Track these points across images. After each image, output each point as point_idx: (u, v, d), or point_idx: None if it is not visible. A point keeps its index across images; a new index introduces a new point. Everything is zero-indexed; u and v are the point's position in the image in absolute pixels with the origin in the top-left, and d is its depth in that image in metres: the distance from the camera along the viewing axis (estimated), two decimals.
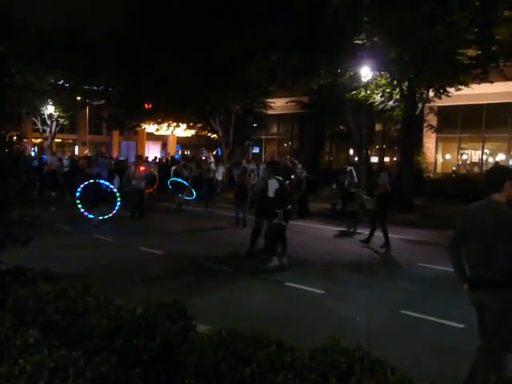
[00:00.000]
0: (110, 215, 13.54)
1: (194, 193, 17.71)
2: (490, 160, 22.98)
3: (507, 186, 3.82)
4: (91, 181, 13.29)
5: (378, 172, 17.05)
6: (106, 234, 11.90)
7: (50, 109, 30.36)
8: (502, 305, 3.73)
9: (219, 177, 20.51)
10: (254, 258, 9.62)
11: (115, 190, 14.32)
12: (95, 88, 29.39)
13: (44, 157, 24.71)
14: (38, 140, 35.89)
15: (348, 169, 14.93)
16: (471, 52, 15.59)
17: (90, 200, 13.35)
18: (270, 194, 9.05)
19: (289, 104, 25.99)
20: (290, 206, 9.30)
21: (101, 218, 13.26)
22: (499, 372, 3.41)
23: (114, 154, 32.97)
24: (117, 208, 13.78)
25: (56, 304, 3.88)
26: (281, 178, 9.32)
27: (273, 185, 9.06)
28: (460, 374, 4.03)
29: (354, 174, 14.68)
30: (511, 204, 3.93)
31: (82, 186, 13.29)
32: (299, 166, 16.45)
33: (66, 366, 2.78)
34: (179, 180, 16.95)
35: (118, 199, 13.94)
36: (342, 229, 13.55)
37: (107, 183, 14.10)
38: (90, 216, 13.27)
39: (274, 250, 9.19)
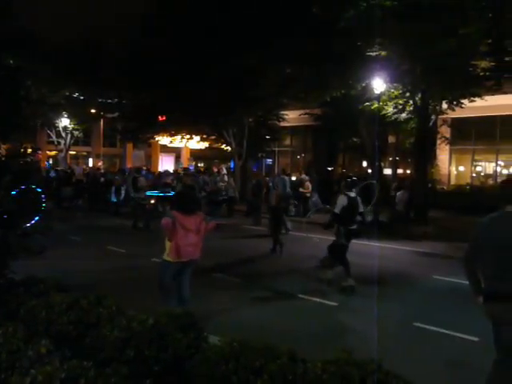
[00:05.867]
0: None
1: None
2: (505, 172, 22.76)
3: None
4: None
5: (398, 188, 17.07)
6: (119, 245, 11.94)
7: (64, 121, 30.72)
8: None
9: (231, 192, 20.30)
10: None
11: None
12: (109, 101, 29.71)
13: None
14: (53, 152, 36.28)
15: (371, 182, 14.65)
16: (485, 64, 15.51)
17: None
18: (336, 210, 8.54)
19: (302, 116, 26.00)
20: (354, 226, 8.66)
21: None
22: None
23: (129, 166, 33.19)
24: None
25: (68, 315, 3.90)
26: (352, 195, 8.68)
27: (341, 201, 8.56)
28: None
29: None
30: None
31: None
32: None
33: (77, 377, 2.79)
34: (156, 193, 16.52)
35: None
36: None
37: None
38: None
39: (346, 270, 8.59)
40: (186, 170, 17.45)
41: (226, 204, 18.94)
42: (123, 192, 17.96)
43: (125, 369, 3.00)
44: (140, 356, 3.30)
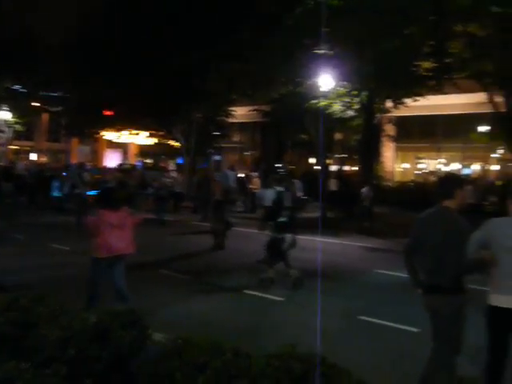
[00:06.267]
0: None
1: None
2: (446, 169, 23.62)
3: (458, 194, 3.95)
4: None
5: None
6: (63, 243, 11.61)
7: (4, 114, 29.49)
8: (450, 309, 3.87)
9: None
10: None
11: None
12: (53, 94, 28.74)
13: None
14: None
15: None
16: (427, 64, 16.02)
17: None
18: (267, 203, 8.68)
19: (250, 113, 26.07)
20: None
21: None
22: (450, 372, 3.50)
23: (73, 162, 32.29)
24: None
25: (6, 315, 3.75)
26: (280, 189, 8.84)
27: (269, 195, 8.71)
28: (414, 376, 4.10)
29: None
30: (461, 212, 4.07)
31: None
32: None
33: (13, 379, 2.69)
34: None
35: None
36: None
37: None
38: None
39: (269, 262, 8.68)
40: (120, 165, 17.14)
41: (173, 200, 18.88)
42: (67, 188, 17.48)
43: (64, 369, 2.92)
44: (81, 355, 3.22)
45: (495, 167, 22.93)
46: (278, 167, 18.73)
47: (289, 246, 8.54)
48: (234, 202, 12.11)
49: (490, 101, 15.22)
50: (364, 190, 16.27)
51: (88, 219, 6.16)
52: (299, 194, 12.53)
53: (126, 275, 6.25)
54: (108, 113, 25.43)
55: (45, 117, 35.26)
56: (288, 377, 2.75)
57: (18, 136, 32.88)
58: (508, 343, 3.85)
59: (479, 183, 17.09)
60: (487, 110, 15.94)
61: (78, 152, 35.90)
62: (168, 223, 15.84)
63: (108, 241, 6.00)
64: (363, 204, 16.05)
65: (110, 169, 21.38)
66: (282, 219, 8.67)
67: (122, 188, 11.12)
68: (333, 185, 19.86)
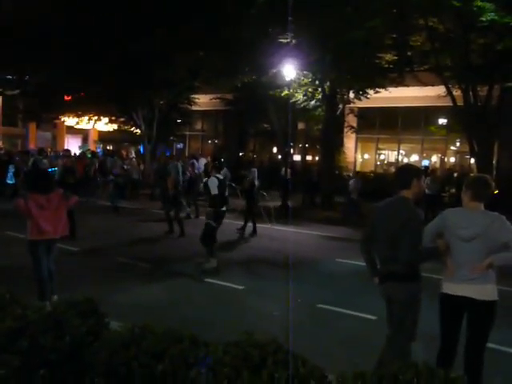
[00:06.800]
0: None
1: None
2: (405, 160, 24.07)
3: (415, 184, 4.04)
4: None
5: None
6: (18, 230, 11.29)
7: None
8: (405, 296, 3.96)
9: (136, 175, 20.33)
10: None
11: None
12: (8, 77, 27.75)
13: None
14: None
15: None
16: (389, 57, 16.25)
17: None
18: (214, 192, 8.64)
19: (213, 101, 25.90)
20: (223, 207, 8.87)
21: None
22: (404, 359, 3.58)
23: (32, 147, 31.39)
24: None
25: None
26: (221, 177, 8.91)
27: (213, 183, 8.68)
28: (371, 362, 4.18)
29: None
30: (418, 203, 4.15)
31: None
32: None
33: None
34: None
35: None
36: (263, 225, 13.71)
37: None
38: None
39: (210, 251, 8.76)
40: (66, 151, 16.88)
41: (130, 187, 18.75)
42: (22, 174, 16.99)
43: (17, 360, 2.85)
44: (35, 346, 3.14)
45: (453, 159, 23.54)
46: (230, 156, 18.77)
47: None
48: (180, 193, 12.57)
49: (449, 94, 15.56)
50: (351, 181, 16.30)
51: (17, 201, 6.16)
52: (256, 182, 12.87)
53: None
54: (67, 97, 24.79)
55: (0, 100, 34.07)
56: (246, 364, 2.75)
57: None
58: (459, 330, 3.97)
59: (438, 174, 17.48)
60: (446, 103, 16.28)
61: (38, 137, 34.81)
62: (125, 210, 15.64)
63: (39, 223, 6.11)
64: (351, 196, 16.05)
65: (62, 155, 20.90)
66: (222, 208, 8.79)
67: (67, 173, 11.18)
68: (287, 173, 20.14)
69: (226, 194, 9.20)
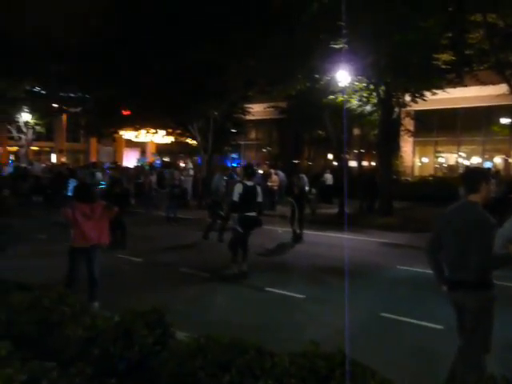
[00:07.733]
0: None
1: None
2: (466, 163, 23.30)
3: (483, 188, 3.87)
4: None
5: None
6: None
7: (25, 116, 29.87)
8: (477, 305, 3.77)
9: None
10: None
11: None
12: (71, 95, 28.99)
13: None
14: (14, 148, 35.32)
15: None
16: (446, 57, 15.78)
17: None
18: (234, 198, 8.78)
19: (267, 109, 25.97)
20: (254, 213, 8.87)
21: None
22: (479, 372, 3.42)
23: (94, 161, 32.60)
24: None
25: (29, 314, 3.78)
26: (250, 183, 8.93)
27: (237, 189, 8.78)
28: (440, 374, 4.03)
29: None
30: (486, 207, 3.97)
31: None
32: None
33: (39, 379, 2.70)
34: None
35: None
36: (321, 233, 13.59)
37: None
38: None
39: (232, 257, 8.97)
40: (114, 164, 17.59)
41: (181, 197, 19.18)
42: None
43: (89, 368, 2.93)
44: (105, 355, 3.22)
45: None
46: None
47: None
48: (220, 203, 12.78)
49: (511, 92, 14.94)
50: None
51: (64, 211, 6.63)
52: (306, 188, 13.18)
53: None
54: (126, 112, 25.57)
55: (65, 117, 35.64)
56: (314, 376, 2.71)
57: (38, 137, 33.26)
58: None
59: (502, 176, 16.79)
60: (508, 101, 15.65)
61: (100, 152, 36.14)
62: (180, 221, 15.93)
63: (83, 230, 6.55)
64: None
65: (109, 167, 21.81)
66: (250, 214, 8.78)
67: (114, 184, 12.07)
68: (329, 179, 20.03)
69: (259, 199, 8.98)
